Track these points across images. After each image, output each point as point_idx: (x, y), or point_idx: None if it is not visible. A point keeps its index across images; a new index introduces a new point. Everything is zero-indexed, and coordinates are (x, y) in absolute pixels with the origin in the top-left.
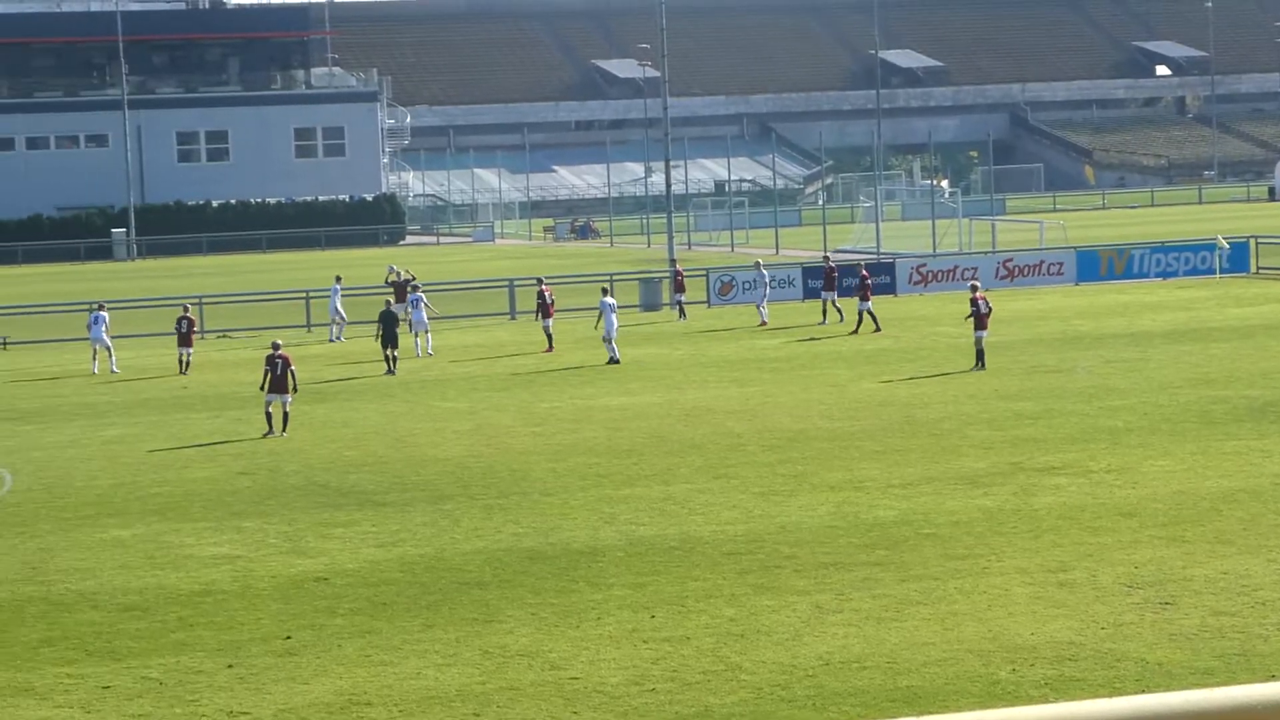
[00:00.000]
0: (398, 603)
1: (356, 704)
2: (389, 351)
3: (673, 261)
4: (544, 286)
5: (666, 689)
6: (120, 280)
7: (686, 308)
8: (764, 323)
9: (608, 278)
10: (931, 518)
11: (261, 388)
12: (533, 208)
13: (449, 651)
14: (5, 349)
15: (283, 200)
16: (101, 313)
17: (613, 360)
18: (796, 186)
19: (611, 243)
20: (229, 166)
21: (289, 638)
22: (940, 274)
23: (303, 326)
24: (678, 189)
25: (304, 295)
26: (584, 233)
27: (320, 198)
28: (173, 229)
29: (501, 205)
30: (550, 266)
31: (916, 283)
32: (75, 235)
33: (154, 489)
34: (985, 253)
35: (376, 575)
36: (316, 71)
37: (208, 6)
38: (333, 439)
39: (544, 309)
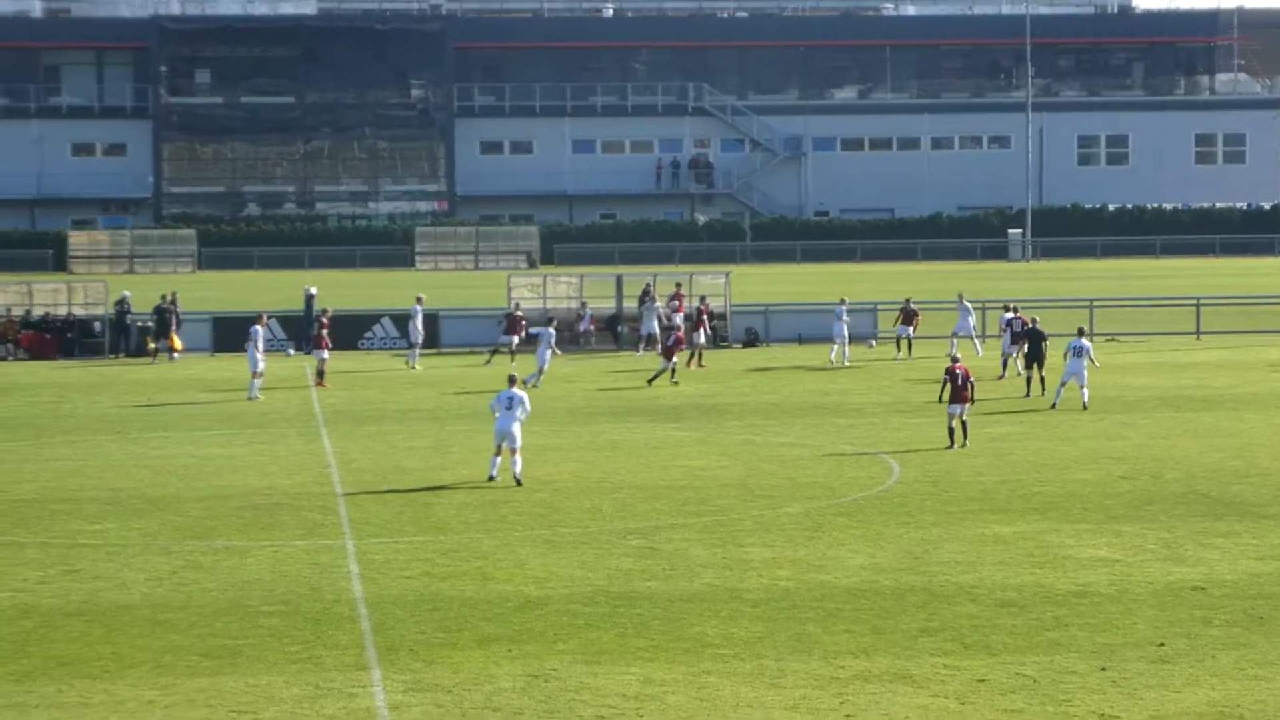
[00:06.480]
0: (1275, 617)
1: (1228, 717)
2: (1030, 373)
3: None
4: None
5: None
6: (1014, 281)
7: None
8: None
9: None
10: None
11: (940, 399)
12: None
13: None
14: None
15: (1179, 206)
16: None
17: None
18: None
19: None
20: (1127, 171)
21: (1163, 645)
22: None
23: (1192, 334)
24: None
25: (1194, 302)
26: None
27: (1217, 205)
28: (1068, 231)
29: None
30: None
31: None
32: (972, 234)
33: (1036, 488)
34: None
35: (1255, 588)
36: (1221, 78)
37: (1116, 11)
38: (1217, 448)
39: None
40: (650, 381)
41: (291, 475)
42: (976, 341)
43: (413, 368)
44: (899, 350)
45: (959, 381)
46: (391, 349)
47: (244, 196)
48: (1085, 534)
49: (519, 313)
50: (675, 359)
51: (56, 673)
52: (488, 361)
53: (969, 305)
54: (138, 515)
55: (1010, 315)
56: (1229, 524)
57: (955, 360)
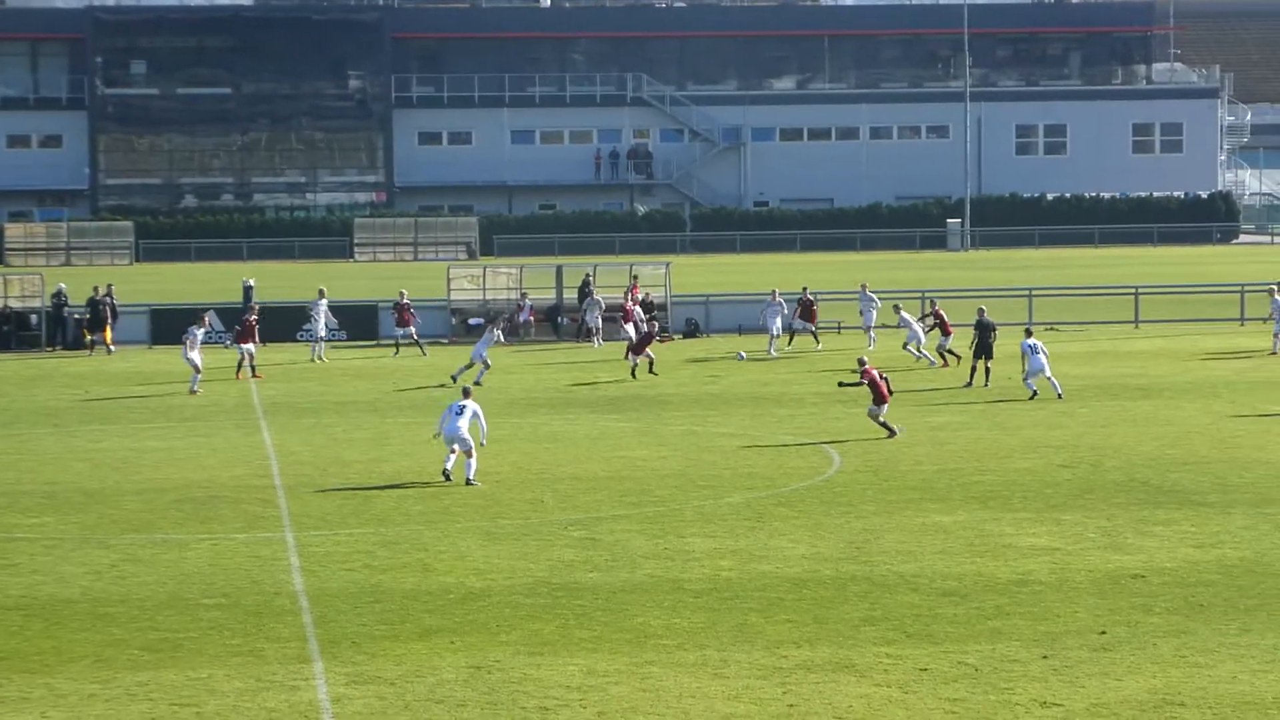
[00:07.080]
0: (1214, 605)
1: (1169, 704)
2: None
3: (804, 290)
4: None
5: None
6: (953, 270)
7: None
8: (921, 355)
9: None
10: None
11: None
12: None
13: (1266, 657)
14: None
15: (1117, 195)
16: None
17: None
18: None
19: None
20: (1064, 160)
21: (1104, 633)
22: None
23: (1130, 323)
24: None
25: (1133, 291)
26: None
27: (1154, 194)
28: (1006, 221)
29: None
30: None
31: None
32: (911, 224)
33: (976, 477)
34: None
35: (1194, 576)
36: (1157, 67)
37: (1052, 1)
38: (1156, 436)
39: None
40: (650, 370)
41: (230, 468)
42: (872, 333)
43: (311, 360)
44: (818, 343)
45: (879, 383)
46: (330, 340)
47: (181, 188)
48: (1025, 523)
49: (405, 300)
50: (649, 350)
51: None
52: (422, 354)
53: (872, 295)
54: (75, 509)
55: (915, 319)
56: (1168, 512)
57: (863, 363)
